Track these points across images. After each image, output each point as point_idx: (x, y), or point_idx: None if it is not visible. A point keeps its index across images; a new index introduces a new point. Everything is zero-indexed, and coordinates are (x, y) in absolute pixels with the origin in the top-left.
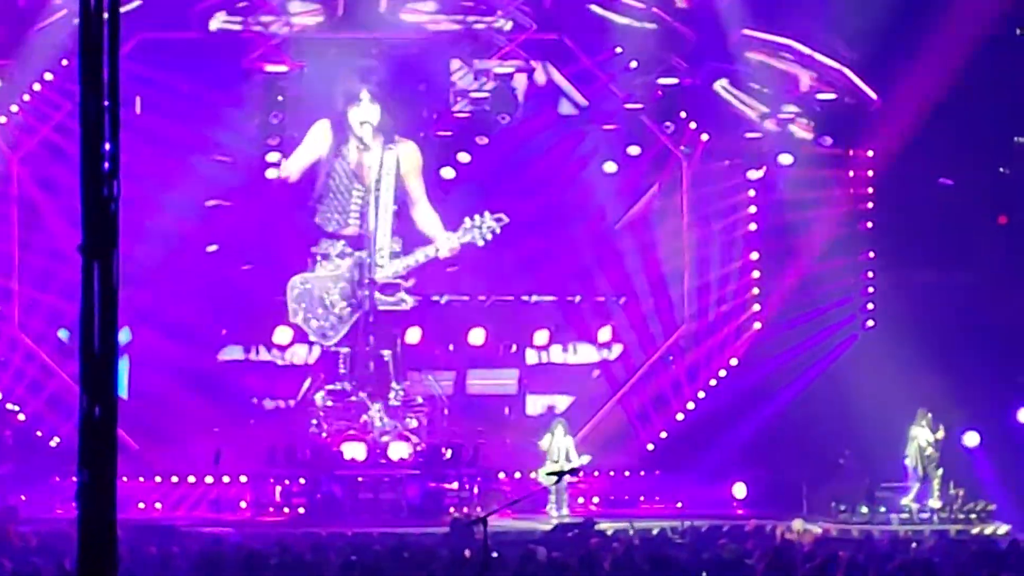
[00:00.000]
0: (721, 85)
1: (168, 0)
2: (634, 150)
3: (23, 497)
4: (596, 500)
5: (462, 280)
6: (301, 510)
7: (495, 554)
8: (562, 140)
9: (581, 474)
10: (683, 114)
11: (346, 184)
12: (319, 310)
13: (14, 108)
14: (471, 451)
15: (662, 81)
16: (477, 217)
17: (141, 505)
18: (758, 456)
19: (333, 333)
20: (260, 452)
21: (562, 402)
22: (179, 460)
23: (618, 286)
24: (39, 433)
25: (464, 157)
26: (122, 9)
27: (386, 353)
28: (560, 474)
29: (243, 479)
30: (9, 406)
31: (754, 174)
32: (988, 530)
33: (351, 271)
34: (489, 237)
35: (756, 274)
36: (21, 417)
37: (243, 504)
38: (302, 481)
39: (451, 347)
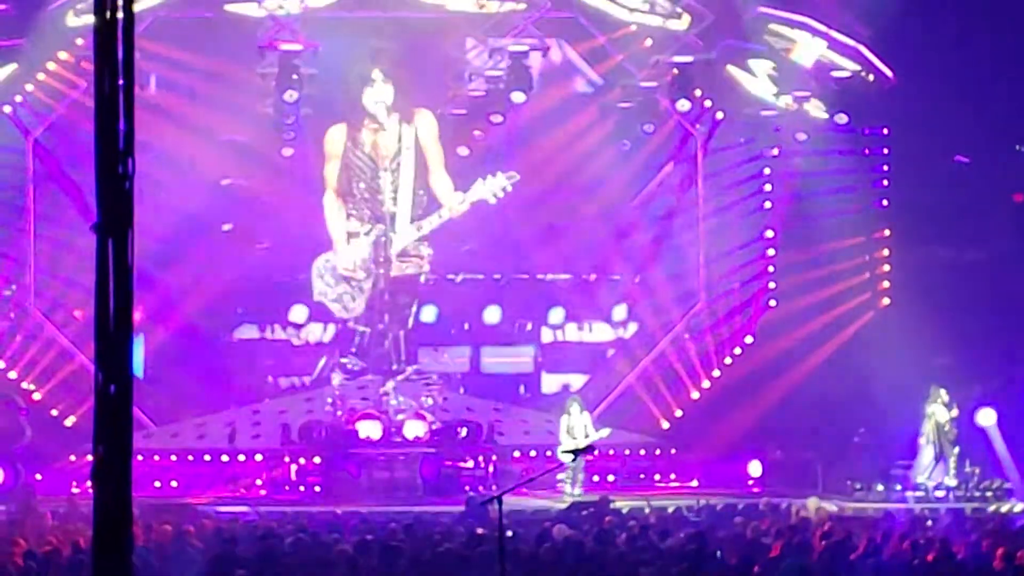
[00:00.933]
0: (736, 63)
1: None
2: (649, 128)
3: (39, 476)
4: (611, 478)
5: (477, 258)
6: (317, 488)
7: (510, 533)
8: (577, 118)
9: (597, 452)
10: (698, 92)
11: (367, 169)
12: (340, 284)
13: (29, 87)
14: (486, 429)
15: (677, 59)
16: (489, 177)
17: (157, 484)
18: (773, 434)
19: (353, 304)
20: (275, 431)
21: (577, 380)
22: (194, 438)
23: (633, 264)
24: (55, 412)
25: (479, 135)
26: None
27: (400, 333)
28: (577, 452)
29: (258, 458)
30: (25, 385)
31: (769, 152)
32: (1004, 508)
33: (372, 246)
34: (501, 195)
35: (771, 252)
36: (37, 396)
37: (258, 483)
38: (317, 460)
39: (466, 325)
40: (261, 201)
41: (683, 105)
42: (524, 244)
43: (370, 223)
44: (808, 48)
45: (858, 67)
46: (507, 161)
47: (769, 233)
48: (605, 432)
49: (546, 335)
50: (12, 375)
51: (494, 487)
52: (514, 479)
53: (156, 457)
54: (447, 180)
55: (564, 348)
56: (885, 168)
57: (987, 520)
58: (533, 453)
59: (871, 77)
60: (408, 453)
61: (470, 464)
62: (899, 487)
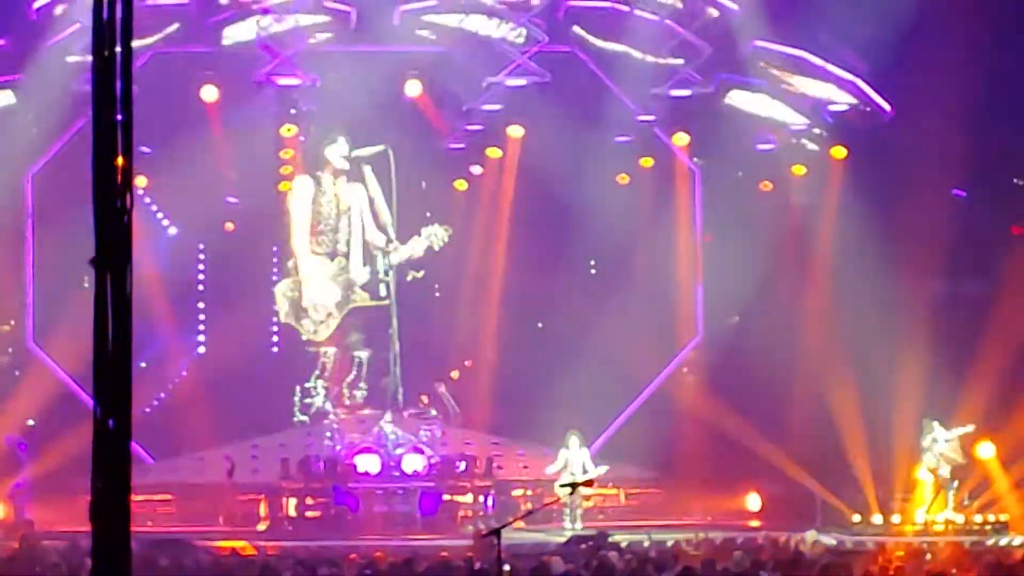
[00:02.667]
0: (734, 96)
1: (182, 14)
2: (647, 162)
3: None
4: (610, 512)
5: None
6: (316, 522)
7: (507, 567)
8: (575, 152)
9: (595, 485)
10: (696, 126)
11: (331, 214)
12: (307, 309)
13: (28, 122)
14: (485, 463)
15: (675, 93)
16: (428, 228)
17: (149, 523)
18: (772, 467)
19: (324, 330)
20: (274, 465)
21: (576, 414)
22: (193, 473)
23: (630, 298)
24: (54, 446)
25: (477, 169)
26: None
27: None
28: (574, 485)
29: (257, 492)
30: (24, 420)
31: (767, 185)
32: (1003, 541)
33: (337, 272)
34: (441, 245)
35: (770, 284)
36: (35, 429)
37: (258, 517)
38: (315, 495)
39: (467, 362)
40: (255, 233)
41: (680, 139)
42: (522, 278)
43: (332, 259)
44: (805, 82)
45: (855, 101)
46: (506, 196)
47: (767, 265)
48: (603, 469)
49: None
50: (10, 410)
51: (493, 521)
52: (513, 513)
53: (155, 496)
54: (380, 236)
55: None
56: (883, 201)
57: (986, 553)
58: (529, 492)
59: (868, 111)
60: (407, 487)
61: (469, 498)
62: (898, 520)
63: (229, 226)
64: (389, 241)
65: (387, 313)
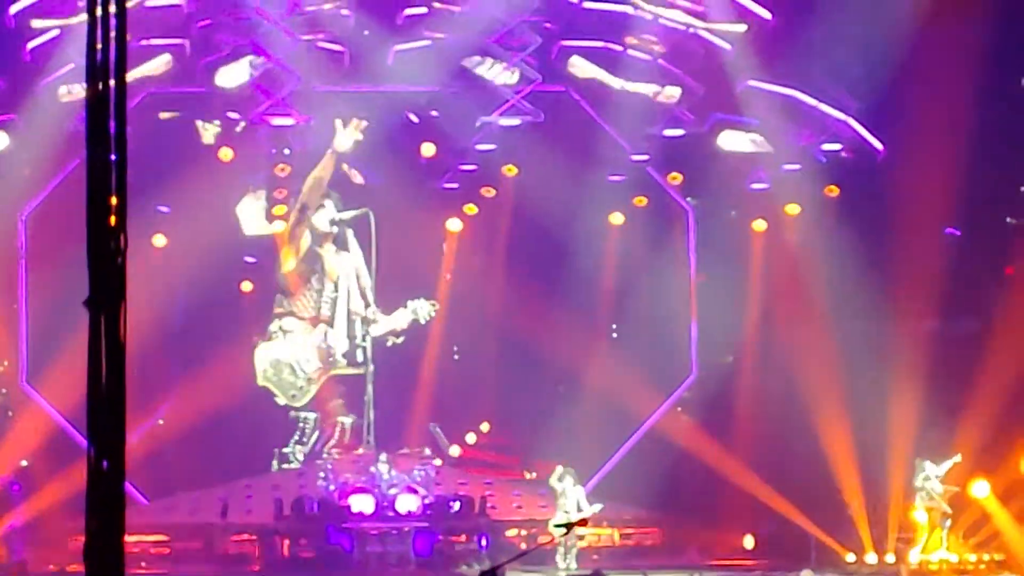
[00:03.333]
0: (727, 136)
1: (176, 54)
2: (640, 201)
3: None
4: (604, 552)
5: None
6: (309, 562)
7: None
8: (568, 191)
9: (589, 524)
10: (689, 165)
11: (318, 279)
12: (286, 374)
13: (21, 162)
14: (479, 503)
15: (668, 132)
16: (413, 302)
17: (143, 564)
18: (766, 506)
19: (301, 396)
20: (268, 505)
21: (571, 453)
22: (186, 514)
23: (625, 336)
24: (47, 487)
25: (471, 209)
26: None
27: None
28: (569, 526)
29: (250, 533)
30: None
31: (760, 224)
32: None
33: (319, 339)
34: (427, 319)
35: (763, 323)
36: (29, 470)
37: (252, 558)
38: (309, 535)
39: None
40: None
41: (674, 178)
42: (517, 316)
43: (315, 325)
44: (798, 122)
45: (848, 140)
46: (500, 235)
47: (761, 305)
48: (597, 507)
49: None
50: (3, 451)
51: (488, 561)
52: (508, 553)
53: (148, 537)
54: (361, 303)
55: None
56: (876, 240)
57: None
58: (524, 532)
59: (860, 150)
60: (401, 527)
61: (463, 538)
62: (892, 559)
63: (247, 287)
64: (367, 306)
65: (363, 380)
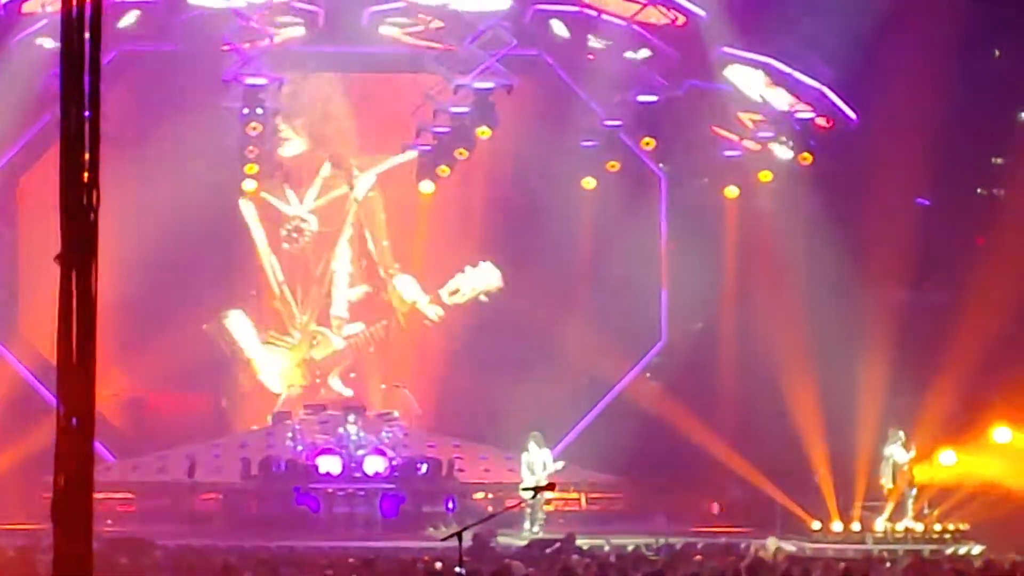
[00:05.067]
0: (701, 102)
1: (149, 12)
2: (613, 166)
3: None
4: (571, 516)
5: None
6: (276, 522)
7: (459, 569)
8: (541, 155)
9: (557, 489)
10: (662, 131)
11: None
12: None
13: None
14: (447, 466)
15: (642, 98)
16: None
17: (109, 522)
18: (733, 473)
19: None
20: (235, 465)
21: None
22: (153, 472)
23: (595, 301)
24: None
25: (444, 171)
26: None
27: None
28: (536, 489)
29: (217, 492)
30: None
31: (733, 192)
32: (963, 550)
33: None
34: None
35: (735, 290)
36: None
37: (218, 516)
38: (276, 496)
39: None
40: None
41: (647, 144)
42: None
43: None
44: (771, 89)
45: (821, 108)
46: (473, 197)
47: (732, 272)
48: (560, 464)
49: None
50: None
51: (454, 524)
52: (475, 516)
53: (116, 494)
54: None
55: None
56: (848, 209)
57: (945, 562)
58: (491, 496)
59: (834, 118)
60: (368, 488)
61: (430, 501)
62: (858, 528)
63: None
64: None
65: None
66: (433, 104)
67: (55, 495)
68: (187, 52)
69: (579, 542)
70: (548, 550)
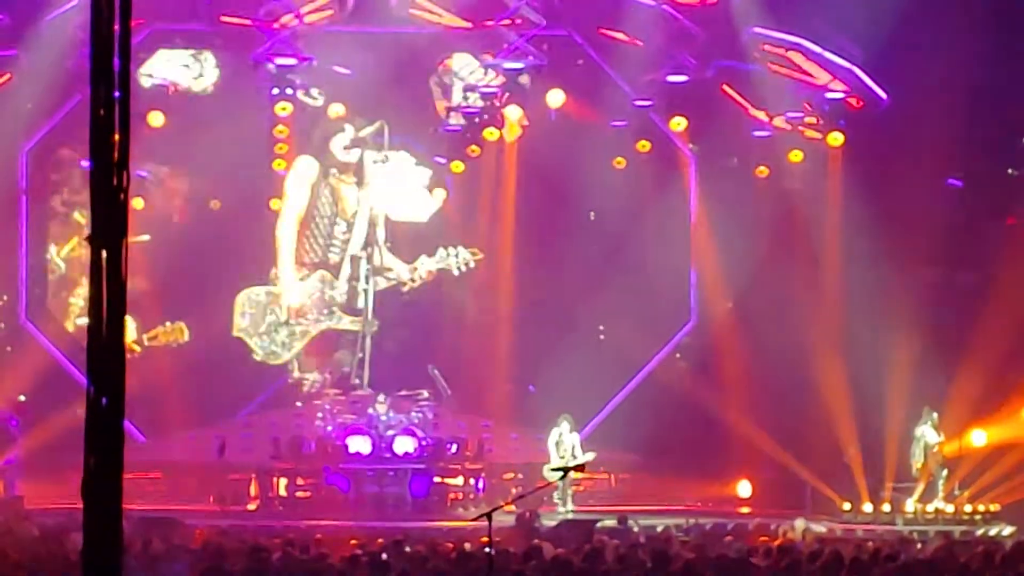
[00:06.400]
0: (731, 83)
1: None
2: (643, 146)
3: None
4: (600, 496)
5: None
6: (306, 502)
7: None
8: (571, 135)
9: (586, 470)
10: (693, 111)
11: (327, 215)
12: (273, 326)
13: (24, 97)
14: (476, 446)
15: (672, 78)
16: (451, 249)
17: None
18: (763, 454)
19: (285, 353)
20: (265, 444)
21: (569, 398)
22: (183, 451)
23: (625, 281)
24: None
25: (475, 150)
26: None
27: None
28: (565, 470)
29: (247, 472)
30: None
31: (762, 172)
32: (993, 531)
33: (319, 291)
34: (464, 269)
35: (764, 271)
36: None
37: (248, 496)
38: (306, 475)
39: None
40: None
41: (677, 124)
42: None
43: (318, 268)
44: (802, 69)
45: (851, 88)
46: (504, 177)
47: (762, 252)
48: (591, 455)
49: None
50: (2, 385)
51: (484, 504)
52: (504, 496)
53: (146, 472)
54: (392, 259)
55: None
56: (878, 189)
57: (975, 543)
58: (520, 475)
59: (864, 98)
60: (398, 468)
61: (459, 481)
62: (888, 509)
63: (215, 204)
64: (377, 250)
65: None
66: (463, 85)
67: (85, 475)
68: (217, 32)
69: (608, 523)
70: (574, 531)
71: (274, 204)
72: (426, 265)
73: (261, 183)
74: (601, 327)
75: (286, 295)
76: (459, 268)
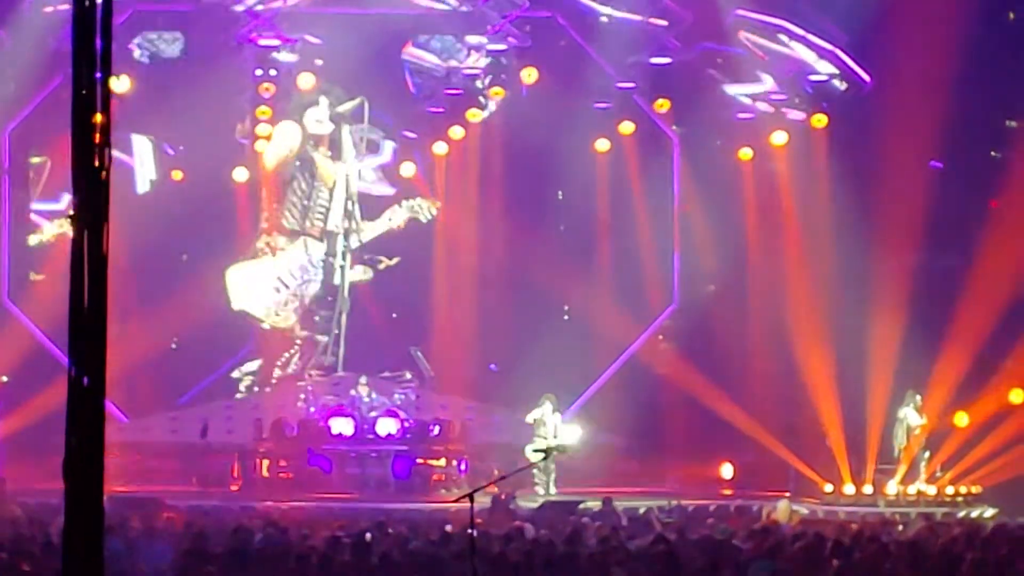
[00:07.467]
0: (714, 65)
1: None
2: (626, 128)
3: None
4: (583, 478)
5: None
6: (288, 483)
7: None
8: (555, 116)
9: (568, 452)
10: (676, 93)
11: (307, 186)
12: (267, 293)
13: (6, 78)
14: (459, 428)
15: (655, 60)
16: (413, 200)
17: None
18: (745, 436)
19: (285, 312)
20: (248, 426)
21: (551, 380)
22: (166, 432)
23: (608, 263)
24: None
25: (457, 132)
26: None
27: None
28: (547, 451)
29: (230, 453)
30: None
31: (746, 154)
32: (975, 513)
33: (300, 254)
34: (430, 217)
35: (746, 253)
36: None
37: (231, 477)
38: (288, 457)
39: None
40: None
41: (660, 106)
42: (500, 243)
43: (296, 239)
44: (785, 51)
45: (835, 71)
46: (485, 159)
47: (745, 234)
48: (575, 435)
49: None
50: None
51: (466, 486)
52: (486, 478)
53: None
54: (368, 224)
55: None
56: (861, 172)
57: (957, 525)
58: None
59: (848, 81)
60: (380, 450)
61: (442, 462)
62: (870, 491)
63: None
64: (351, 219)
65: (336, 302)
66: (446, 66)
67: (67, 455)
68: (200, 12)
69: (590, 504)
70: (556, 512)
71: (237, 175)
72: (400, 214)
73: (231, 154)
74: (566, 307)
75: (277, 263)
76: (426, 217)
